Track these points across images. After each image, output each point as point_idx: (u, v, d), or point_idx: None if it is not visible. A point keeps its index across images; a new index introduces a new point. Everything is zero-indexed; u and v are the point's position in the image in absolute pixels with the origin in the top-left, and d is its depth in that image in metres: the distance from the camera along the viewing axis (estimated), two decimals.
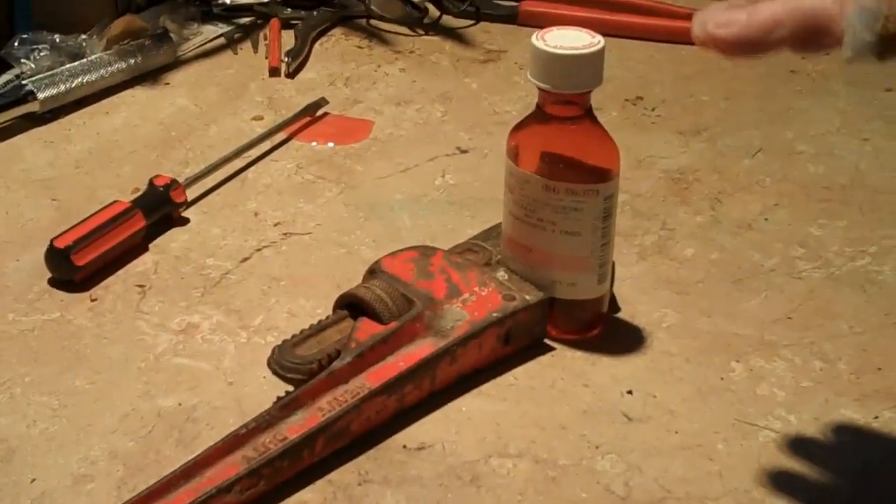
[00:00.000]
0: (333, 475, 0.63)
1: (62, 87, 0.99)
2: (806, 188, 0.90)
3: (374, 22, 1.19)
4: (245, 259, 0.81)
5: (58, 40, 1.03)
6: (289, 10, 1.18)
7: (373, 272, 0.72)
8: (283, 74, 1.07)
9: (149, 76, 1.06)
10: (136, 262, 0.80)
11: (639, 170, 0.92)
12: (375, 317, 0.69)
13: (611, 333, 0.74)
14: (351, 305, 0.70)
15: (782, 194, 0.89)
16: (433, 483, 0.63)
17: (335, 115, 1.01)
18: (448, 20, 1.19)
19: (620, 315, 0.76)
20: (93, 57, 1.02)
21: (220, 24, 1.16)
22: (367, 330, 0.68)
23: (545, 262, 0.71)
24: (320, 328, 0.70)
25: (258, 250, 0.82)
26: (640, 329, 0.74)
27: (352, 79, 1.07)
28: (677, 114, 1.02)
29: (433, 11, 1.20)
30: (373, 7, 1.18)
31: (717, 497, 0.62)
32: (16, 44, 1.01)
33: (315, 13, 1.17)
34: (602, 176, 0.70)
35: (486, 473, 0.63)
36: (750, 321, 0.75)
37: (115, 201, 0.82)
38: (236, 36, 1.15)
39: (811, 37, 0.49)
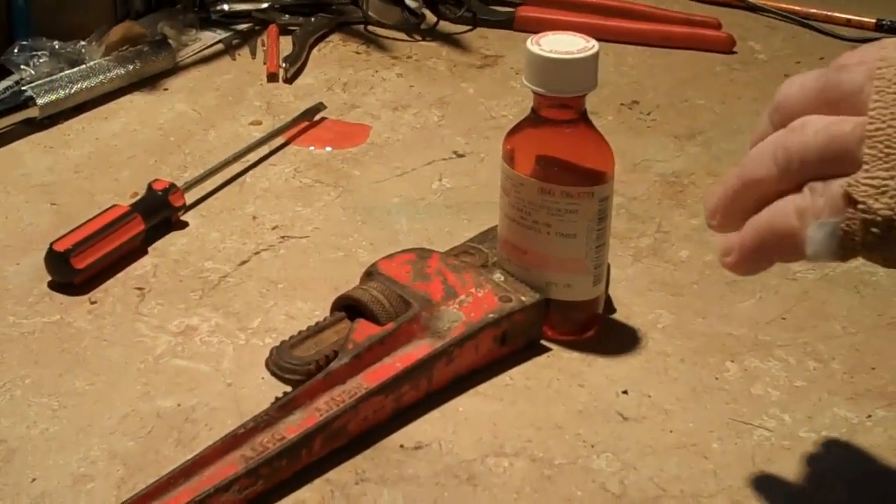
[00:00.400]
0: (331, 474, 0.63)
1: (61, 93, 1.00)
2: None
3: (371, 28, 1.19)
4: (243, 262, 0.81)
5: (57, 46, 1.03)
6: (287, 16, 1.18)
7: (370, 274, 0.73)
8: (281, 80, 1.08)
9: (147, 82, 1.06)
10: (135, 265, 0.81)
11: (634, 173, 0.93)
12: (372, 318, 0.69)
13: (606, 334, 0.74)
14: (348, 307, 0.71)
15: None
16: (430, 482, 0.63)
17: (333, 120, 1.01)
18: (445, 26, 1.20)
19: (616, 316, 0.76)
20: (92, 63, 1.03)
21: (219, 31, 1.17)
22: (365, 331, 0.68)
23: (541, 264, 0.72)
24: (318, 329, 0.70)
25: (256, 253, 0.82)
26: (636, 330, 0.75)
27: (349, 84, 1.08)
28: (672, 118, 1.02)
29: (430, 17, 1.21)
30: (370, 13, 1.19)
31: (711, 495, 0.63)
32: (15, 50, 1.02)
33: (313, 19, 1.18)
34: (597, 179, 0.70)
35: (482, 472, 0.64)
36: (744, 322, 0.76)
37: (114, 205, 0.82)
38: (234, 42, 1.16)
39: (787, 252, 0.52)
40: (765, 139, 0.54)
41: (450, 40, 1.17)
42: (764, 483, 0.64)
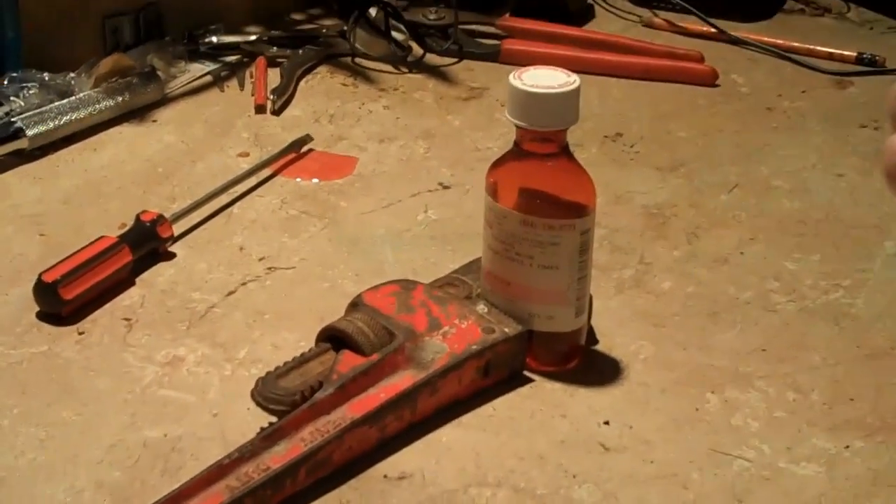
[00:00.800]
0: None
1: (51, 125, 1.00)
2: (781, 223, 0.92)
3: (358, 60, 1.21)
4: (230, 293, 0.82)
5: (47, 78, 1.04)
6: (275, 48, 1.19)
7: (355, 305, 0.74)
8: (268, 111, 1.09)
9: (136, 113, 1.07)
10: (122, 295, 0.81)
11: (617, 205, 0.94)
12: (357, 349, 0.70)
13: (588, 365, 0.75)
14: (333, 338, 0.72)
15: (758, 229, 0.91)
16: None
17: (320, 152, 1.02)
18: (431, 58, 1.21)
19: (598, 347, 0.77)
20: (81, 95, 1.04)
21: (207, 63, 1.18)
22: (349, 362, 0.69)
23: (524, 296, 0.73)
24: (303, 360, 0.71)
25: (243, 284, 0.83)
26: (618, 361, 0.76)
27: (336, 116, 1.09)
28: (655, 150, 1.04)
29: (417, 50, 1.22)
30: (357, 45, 1.20)
31: None
32: (5, 82, 1.03)
33: (300, 51, 1.19)
34: (579, 211, 0.72)
35: (465, 502, 0.64)
36: (725, 353, 0.77)
37: (102, 236, 0.83)
38: (223, 74, 1.17)
39: None
40: None
41: (436, 73, 1.19)
42: None
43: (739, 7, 1.31)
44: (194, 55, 1.18)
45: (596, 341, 0.77)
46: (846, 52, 1.22)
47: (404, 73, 1.19)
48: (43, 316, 0.79)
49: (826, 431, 0.70)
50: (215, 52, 1.19)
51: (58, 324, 0.78)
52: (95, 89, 1.05)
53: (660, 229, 0.91)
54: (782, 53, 1.23)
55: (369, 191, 0.96)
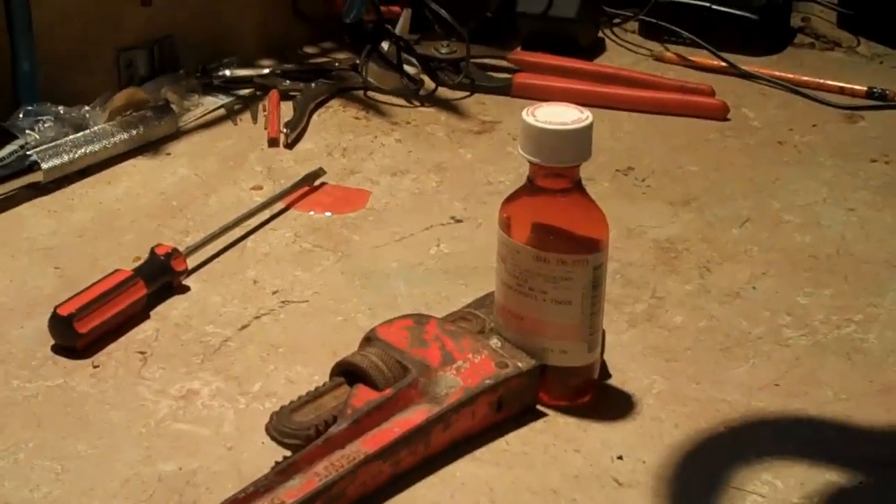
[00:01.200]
0: None
1: (66, 158, 1.01)
2: (793, 257, 0.92)
3: (370, 94, 1.21)
4: (244, 326, 0.83)
5: (62, 111, 1.05)
6: (288, 81, 1.20)
7: (369, 340, 0.74)
8: (281, 145, 1.10)
9: (150, 146, 1.08)
10: (137, 329, 0.82)
11: (629, 239, 0.94)
12: (371, 384, 0.70)
13: (601, 400, 0.75)
14: (347, 372, 0.72)
15: (770, 263, 0.91)
16: None
17: (333, 185, 1.03)
18: (443, 92, 1.22)
19: (611, 382, 0.77)
20: (96, 128, 1.05)
21: (221, 96, 1.19)
22: (363, 396, 0.69)
23: (537, 331, 0.73)
24: (317, 395, 0.71)
25: (257, 318, 0.84)
26: (630, 395, 0.76)
27: (349, 149, 1.10)
28: (667, 184, 1.04)
29: (429, 83, 1.23)
30: (370, 79, 1.21)
31: None
32: (21, 115, 1.04)
33: (313, 85, 1.20)
34: (591, 246, 0.72)
35: None
36: (737, 388, 0.77)
37: (116, 270, 0.84)
38: (236, 107, 1.17)
39: None
40: None
41: (448, 106, 1.19)
42: None
43: (750, 41, 1.32)
44: (208, 88, 1.19)
45: (609, 376, 0.78)
46: (857, 87, 1.22)
47: (416, 106, 1.19)
48: (58, 349, 0.79)
49: (839, 467, 0.70)
50: (228, 86, 1.20)
51: (73, 357, 0.79)
52: (110, 122, 1.06)
53: (672, 263, 0.91)
54: (793, 87, 1.23)
55: (382, 224, 0.97)
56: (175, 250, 0.86)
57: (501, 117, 1.17)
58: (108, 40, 1.15)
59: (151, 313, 0.84)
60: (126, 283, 0.82)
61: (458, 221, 0.97)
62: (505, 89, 1.22)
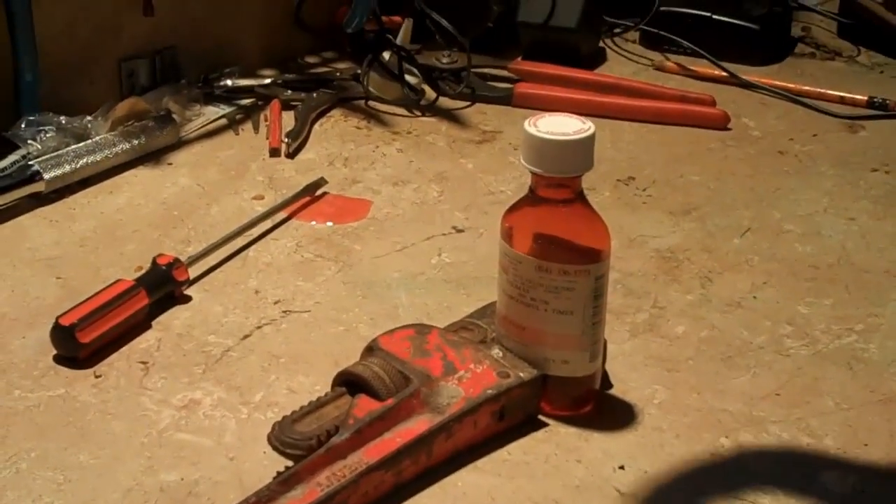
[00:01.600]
0: None
1: (67, 168, 1.01)
2: (793, 267, 0.92)
3: (372, 103, 1.21)
4: (246, 336, 0.83)
5: (63, 122, 1.05)
6: (289, 91, 1.21)
7: (370, 350, 0.74)
8: (283, 154, 1.10)
9: (152, 156, 1.08)
10: (139, 339, 0.82)
11: (630, 249, 0.94)
12: (373, 394, 0.70)
13: (603, 410, 0.75)
14: (349, 382, 0.72)
15: (771, 273, 0.92)
16: None
17: (334, 195, 1.03)
18: (444, 102, 1.22)
19: (612, 392, 0.77)
20: (97, 138, 1.05)
21: (222, 106, 1.19)
22: (365, 406, 0.69)
23: (538, 340, 0.73)
24: (319, 404, 0.71)
25: (259, 328, 0.84)
26: (632, 405, 0.76)
27: (350, 159, 1.10)
28: (668, 194, 1.04)
29: (430, 93, 1.23)
30: (371, 89, 1.21)
31: None
32: (22, 125, 1.04)
33: (315, 95, 1.20)
34: (593, 257, 0.72)
35: None
36: (739, 398, 0.77)
37: (118, 280, 0.84)
38: (237, 117, 1.18)
39: None
40: None
41: (449, 116, 1.20)
42: None
43: (750, 51, 1.32)
44: (209, 98, 1.20)
45: (610, 385, 0.78)
46: (857, 96, 1.22)
47: (417, 116, 1.20)
48: (60, 359, 0.79)
49: (840, 476, 0.70)
50: (230, 96, 1.21)
51: (75, 367, 0.79)
52: (112, 132, 1.06)
53: (673, 273, 0.91)
54: (793, 97, 1.24)
55: (383, 234, 0.97)
56: (177, 260, 0.86)
57: (502, 127, 1.17)
58: (110, 50, 1.16)
59: (153, 323, 0.84)
60: (128, 293, 0.82)
61: (460, 231, 0.97)
62: (506, 99, 1.22)
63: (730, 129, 1.17)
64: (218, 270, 0.91)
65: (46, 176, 1.00)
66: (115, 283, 0.83)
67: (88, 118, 1.07)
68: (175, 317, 0.85)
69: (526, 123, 0.71)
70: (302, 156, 1.10)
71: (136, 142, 1.07)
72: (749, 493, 0.69)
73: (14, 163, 1.01)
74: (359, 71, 1.22)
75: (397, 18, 1.28)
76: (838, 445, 0.73)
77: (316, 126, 1.17)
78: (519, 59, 1.30)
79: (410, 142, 1.14)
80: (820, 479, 0.70)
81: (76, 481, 0.69)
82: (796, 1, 1.43)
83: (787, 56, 1.37)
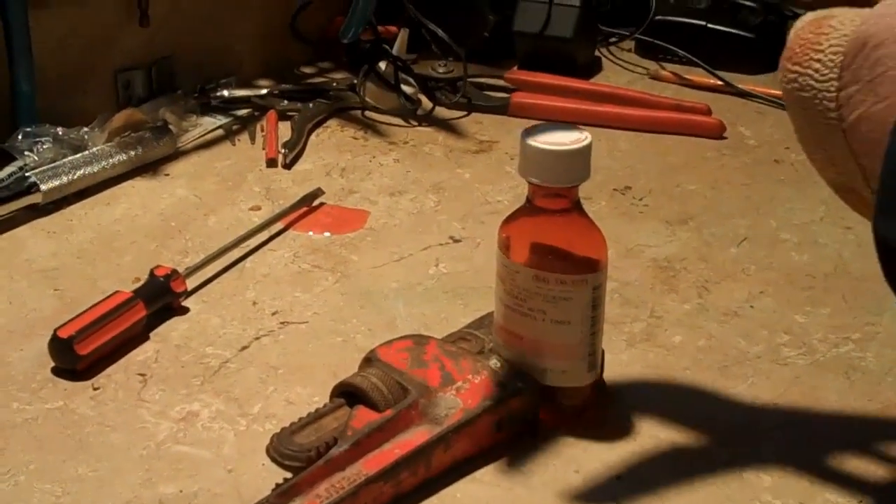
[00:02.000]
0: None
1: (64, 179, 1.01)
2: (790, 276, 0.93)
3: (368, 113, 1.22)
4: (244, 348, 0.83)
5: (60, 133, 1.05)
6: (285, 102, 1.21)
7: (369, 361, 0.74)
8: (280, 165, 1.10)
9: (149, 167, 1.08)
10: (137, 350, 0.82)
11: (627, 258, 0.95)
12: (371, 405, 0.70)
13: (601, 420, 0.75)
14: (347, 393, 0.72)
15: (767, 282, 0.92)
16: None
17: (331, 206, 1.03)
18: (441, 111, 1.22)
19: (610, 401, 0.77)
20: (94, 149, 1.05)
21: (219, 117, 1.19)
22: (364, 418, 0.69)
23: (536, 351, 0.73)
24: (318, 416, 0.71)
25: (257, 339, 0.84)
26: (630, 415, 0.76)
27: (347, 169, 1.10)
28: (664, 203, 1.04)
29: (426, 103, 1.23)
30: (367, 99, 1.21)
31: None
32: (19, 136, 1.04)
33: (311, 105, 1.20)
34: (591, 266, 0.72)
35: None
36: (736, 407, 0.77)
37: (116, 291, 0.84)
38: (234, 128, 1.18)
39: None
40: None
41: (446, 126, 1.20)
42: None
43: (746, 60, 1.33)
44: (206, 109, 1.20)
45: (608, 395, 0.78)
46: None
47: (414, 126, 1.20)
48: (58, 371, 0.79)
49: (838, 486, 0.70)
50: (226, 106, 1.21)
51: (73, 379, 0.79)
52: (108, 144, 1.06)
53: (670, 283, 0.92)
54: None
55: (381, 244, 0.97)
56: (174, 271, 0.86)
57: (499, 136, 1.17)
58: (107, 61, 1.16)
59: (151, 335, 0.84)
60: (126, 304, 0.82)
61: (457, 241, 0.98)
62: (502, 108, 1.23)
63: (725, 138, 1.18)
64: (215, 282, 0.91)
65: (43, 187, 1.00)
66: (112, 294, 0.83)
67: (85, 129, 1.07)
68: (173, 328, 0.85)
69: (523, 133, 0.71)
70: (299, 166, 1.11)
71: (132, 153, 1.07)
72: (746, 502, 0.69)
73: (11, 174, 1.01)
74: (355, 81, 1.22)
75: (393, 28, 1.28)
76: (836, 454, 0.73)
77: (312, 136, 1.17)
78: (515, 68, 1.30)
79: (407, 152, 1.14)
80: (818, 489, 0.70)
81: (75, 494, 0.69)
82: (791, 10, 1.43)
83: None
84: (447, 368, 0.73)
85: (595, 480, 0.70)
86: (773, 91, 1.26)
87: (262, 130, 1.17)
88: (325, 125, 1.19)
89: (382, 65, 1.22)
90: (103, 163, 1.05)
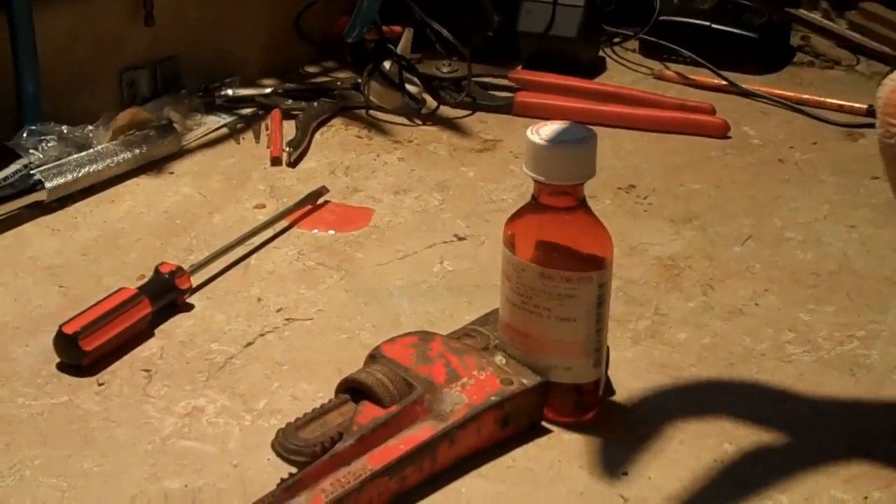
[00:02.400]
0: None
1: (69, 177, 1.02)
2: (795, 274, 0.93)
3: (372, 112, 1.22)
4: (249, 344, 0.83)
5: (65, 131, 1.05)
6: (290, 101, 1.21)
7: (373, 357, 0.74)
8: (284, 163, 1.10)
9: (154, 165, 1.08)
10: (142, 346, 0.82)
11: (632, 256, 0.95)
12: (377, 400, 0.70)
13: (606, 416, 0.76)
14: (353, 389, 0.72)
15: (772, 280, 0.92)
16: None
17: (336, 204, 1.03)
18: (445, 110, 1.22)
19: (615, 398, 0.78)
20: (99, 147, 1.05)
21: (223, 115, 1.19)
22: (369, 413, 0.69)
23: (541, 347, 0.73)
24: (323, 411, 0.72)
25: (261, 335, 0.84)
26: (635, 412, 0.76)
27: (352, 168, 1.10)
28: (669, 202, 1.04)
29: (431, 102, 1.23)
30: (372, 98, 1.21)
31: None
32: (24, 135, 1.04)
33: (315, 104, 1.20)
34: (596, 264, 0.72)
35: None
36: (742, 404, 0.77)
37: (121, 288, 0.84)
38: (239, 126, 1.18)
39: None
40: None
41: (450, 125, 1.20)
42: None
43: (750, 60, 1.33)
44: (210, 108, 1.20)
45: (613, 392, 0.78)
46: (856, 105, 1.23)
47: (418, 125, 1.20)
48: (63, 367, 0.79)
49: (844, 482, 0.70)
50: (231, 105, 1.21)
51: (78, 375, 0.79)
52: (113, 142, 1.06)
53: (674, 281, 0.92)
54: (793, 105, 1.24)
55: (385, 242, 0.97)
56: (179, 268, 0.86)
57: (503, 136, 1.17)
58: (112, 60, 1.16)
59: (156, 331, 0.84)
60: (131, 301, 0.82)
61: (462, 239, 0.98)
62: (506, 108, 1.23)
63: (730, 138, 1.18)
64: (220, 279, 0.91)
65: (48, 185, 1.00)
66: (117, 291, 0.83)
67: (90, 128, 1.07)
68: (178, 325, 0.85)
69: (528, 131, 0.71)
70: (303, 165, 1.11)
71: (137, 151, 1.07)
72: (753, 499, 0.69)
73: (16, 172, 1.01)
74: (359, 80, 1.22)
75: (398, 28, 1.28)
76: (842, 452, 0.73)
77: (317, 135, 1.17)
78: (519, 68, 1.30)
79: (411, 150, 1.14)
80: (824, 486, 0.70)
81: (80, 488, 0.69)
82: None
83: (787, 65, 1.37)
84: (452, 365, 0.73)
85: (601, 477, 0.70)
86: (777, 91, 1.26)
87: (267, 129, 1.17)
88: (329, 124, 1.19)
89: (387, 64, 1.23)
90: (108, 161, 1.05)
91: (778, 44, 1.39)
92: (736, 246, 0.97)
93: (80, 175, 1.02)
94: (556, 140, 0.70)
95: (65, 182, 1.01)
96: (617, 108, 1.21)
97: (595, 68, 1.35)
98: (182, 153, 1.11)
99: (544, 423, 0.74)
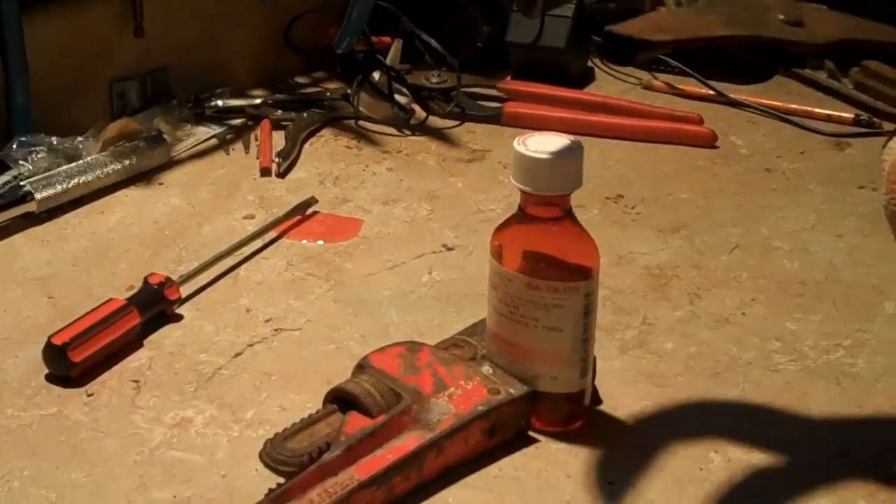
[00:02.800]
0: None
1: (59, 188, 1.02)
2: (782, 283, 0.93)
3: (362, 123, 1.22)
4: (237, 354, 0.83)
5: (55, 142, 1.05)
6: (279, 111, 1.21)
7: (361, 367, 0.75)
8: (273, 174, 1.10)
9: (143, 176, 1.09)
10: (131, 357, 0.82)
11: (619, 266, 0.95)
12: (364, 411, 0.71)
13: (593, 426, 0.76)
14: (340, 399, 0.73)
15: (759, 290, 0.92)
16: None
17: (325, 214, 1.03)
18: (434, 121, 1.23)
19: (602, 408, 0.78)
20: (89, 158, 1.05)
21: (213, 126, 1.19)
22: (356, 423, 0.70)
23: (528, 357, 0.74)
24: (311, 422, 0.72)
25: (250, 346, 0.84)
26: (622, 421, 0.77)
27: (341, 178, 1.10)
28: (656, 211, 1.05)
29: (420, 112, 1.23)
30: (361, 108, 1.22)
31: None
32: (14, 146, 1.04)
33: (305, 114, 1.20)
34: (582, 274, 0.73)
35: None
36: (728, 413, 0.78)
37: (110, 299, 0.84)
38: (228, 137, 1.18)
39: None
40: None
41: (439, 135, 1.20)
42: None
43: (737, 70, 1.33)
44: (200, 118, 1.20)
45: (600, 402, 0.78)
46: (844, 114, 1.23)
47: (407, 135, 1.20)
48: (52, 378, 0.79)
49: (830, 492, 0.71)
50: (221, 116, 1.21)
51: (67, 386, 0.79)
52: (103, 153, 1.07)
53: (662, 290, 0.92)
54: (781, 115, 1.24)
55: (374, 253, 0.97)
56: (168, 279, 0.87)
57: (491, 146, 1.18)
58: (101, 71, 1.16)
59: (145, 342, 0.84)
60: (120, 311, 0.83)
61: (450, 249, 0.98)
62: (495, 118, 1.23)
63: (717, 148, 1.18)
64: (209, 289, 0.91)
65: (38, 196, 1.00)
66: (106, 302, 0.84)
67: (80, 139, 1.07)
68: (167, 335, 0.85)
69: (515, 142, 0.72)
70: (292, 175, 1.11)
71: (127, 162, 1.07)
72: None
73: (6, 183, 1.01)
74: (349, 91, 1.23)
75: (387, 39, 1.28)
76: (827, 461, 0.73)
77: (306, 146, 1.17)
78: (508, 78, 1.30)
79: (400, 161, 1.14)
80: (810, 495, 0.70)
81: (69, 499, 0.69)
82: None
83: (774, 75, 1.38)
84: (440, 375, 0.73)
85: (587, 486, 0.71)
86: (764, 101, 1.27)
87: (256, 140, 1.17)
88: (318, 134, 1.20)
89: (376, 75, 1.23)
90: (98, 172, 1.05)
91: (765, 54, 1.39)
92: (723, 255, 0.97)
93: (69, 186, 1.03)
94: (543, 151, 0.71)
95: (54, 193, 1.01)
96: (605, 118, 1.21)
97: (583, 78, 1.35)
98: (172, 164, 1.12)
99: (531, 433, 0.75)
